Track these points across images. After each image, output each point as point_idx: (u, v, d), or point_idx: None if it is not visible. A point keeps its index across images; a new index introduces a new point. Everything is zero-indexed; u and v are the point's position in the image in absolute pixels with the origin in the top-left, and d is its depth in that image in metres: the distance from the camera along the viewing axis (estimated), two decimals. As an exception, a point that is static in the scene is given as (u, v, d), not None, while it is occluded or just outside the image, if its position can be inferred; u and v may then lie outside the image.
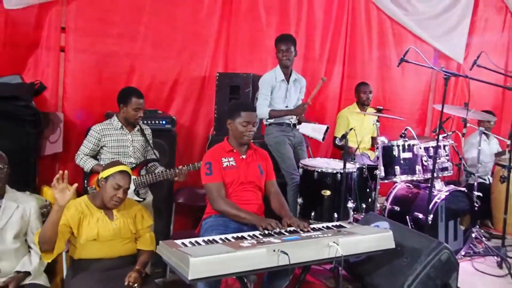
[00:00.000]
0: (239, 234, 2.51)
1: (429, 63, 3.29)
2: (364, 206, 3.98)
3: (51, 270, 2.95)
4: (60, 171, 2.34)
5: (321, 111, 5.35)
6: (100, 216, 2.65)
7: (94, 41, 4.03)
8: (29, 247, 2.70)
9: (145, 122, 3.85)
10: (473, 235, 4.12)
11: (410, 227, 3.91)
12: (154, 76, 4.35)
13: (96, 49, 4.05)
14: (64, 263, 2.79)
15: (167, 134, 3.96)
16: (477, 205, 4.23)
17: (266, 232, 2.55)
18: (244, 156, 2.99)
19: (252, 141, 4.10)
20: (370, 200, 4.07)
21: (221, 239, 2.43)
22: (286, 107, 4.10)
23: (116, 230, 2.66)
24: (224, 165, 2.92)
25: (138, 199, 3.29)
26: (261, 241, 2.29)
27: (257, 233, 2.55)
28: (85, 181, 3.32)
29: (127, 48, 4.20)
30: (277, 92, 4.04)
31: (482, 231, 4.52)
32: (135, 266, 2.57)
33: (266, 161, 3.10)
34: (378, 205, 4.12)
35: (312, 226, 2.75)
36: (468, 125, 4.43)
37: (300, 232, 2.57)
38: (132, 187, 3.28)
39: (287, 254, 2.15)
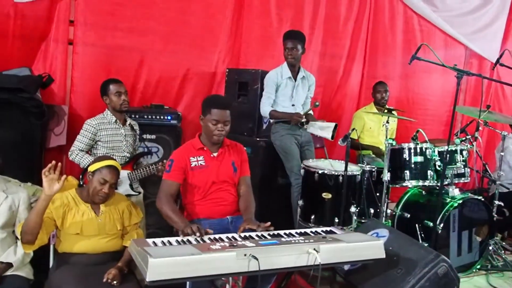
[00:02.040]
0: (217, 236, 2.41)
1: (441, 60, 3.06)
2: (372, 211, 3.78)
3: (44, 262, 2.95)
4: (54, 161, 2.33)
5: (338, 111, 5.17)
6: (86, 210, 2.62)
7: (103, 35, 4.03)
8: (17, 238, 2.69)
9: (150, 117, 3.83)
10: (490, 247, 3.83)
11: (419, 235, 3.68)
12: (163, 71, 4.31)
13: (105, 43, 4.05)
14: (51, 255, 2.78)
15: (173, 129, 3.92)
16: (505, 215, 3.93)
17: (185, 238, 2.36)
18: (215, 154, 2.82)
19: (257, 139, 4.04)
20: (379, 205, 3.85)
21: (196, 239, 2.33)
22: (293, 105, 3.94)
23: (101, 226, 2.62)
24: (192, 165, 2.76)
25: (133, 193, 3.26)
26: (234, 244, 2.17)
27: (236, 235, 2.44)
28: (81, 177, 3.29)
29: (137, 42, 4.18)
30: (283, 90, 3.89)
31: (504, 243, 4.20)
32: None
33: (241, 156, 2.91)
34: (389, 211, 3.89)
35: (299, 230, 2.62)
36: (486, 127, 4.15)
37: (282, 236, 2.44)
38: (128, 181, 3.25)
39: (257, 259, 2.04)
